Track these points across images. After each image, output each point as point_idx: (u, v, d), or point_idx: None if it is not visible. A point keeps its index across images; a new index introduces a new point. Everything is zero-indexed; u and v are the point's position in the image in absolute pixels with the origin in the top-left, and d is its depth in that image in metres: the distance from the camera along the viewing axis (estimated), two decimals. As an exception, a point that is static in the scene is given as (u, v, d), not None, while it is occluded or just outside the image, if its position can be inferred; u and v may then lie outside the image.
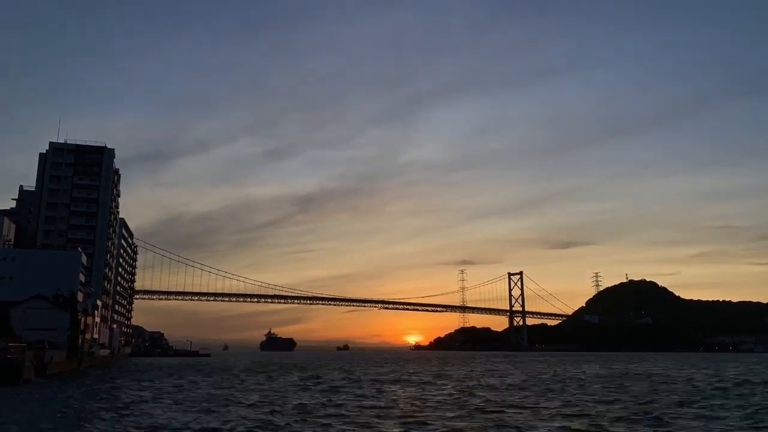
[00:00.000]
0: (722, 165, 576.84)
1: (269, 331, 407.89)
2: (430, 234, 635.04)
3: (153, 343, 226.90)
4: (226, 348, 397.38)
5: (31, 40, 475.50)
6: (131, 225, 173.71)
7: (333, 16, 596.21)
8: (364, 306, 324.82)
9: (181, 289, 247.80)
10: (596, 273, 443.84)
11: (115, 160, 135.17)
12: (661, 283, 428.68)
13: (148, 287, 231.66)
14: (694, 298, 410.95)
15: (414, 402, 40.56)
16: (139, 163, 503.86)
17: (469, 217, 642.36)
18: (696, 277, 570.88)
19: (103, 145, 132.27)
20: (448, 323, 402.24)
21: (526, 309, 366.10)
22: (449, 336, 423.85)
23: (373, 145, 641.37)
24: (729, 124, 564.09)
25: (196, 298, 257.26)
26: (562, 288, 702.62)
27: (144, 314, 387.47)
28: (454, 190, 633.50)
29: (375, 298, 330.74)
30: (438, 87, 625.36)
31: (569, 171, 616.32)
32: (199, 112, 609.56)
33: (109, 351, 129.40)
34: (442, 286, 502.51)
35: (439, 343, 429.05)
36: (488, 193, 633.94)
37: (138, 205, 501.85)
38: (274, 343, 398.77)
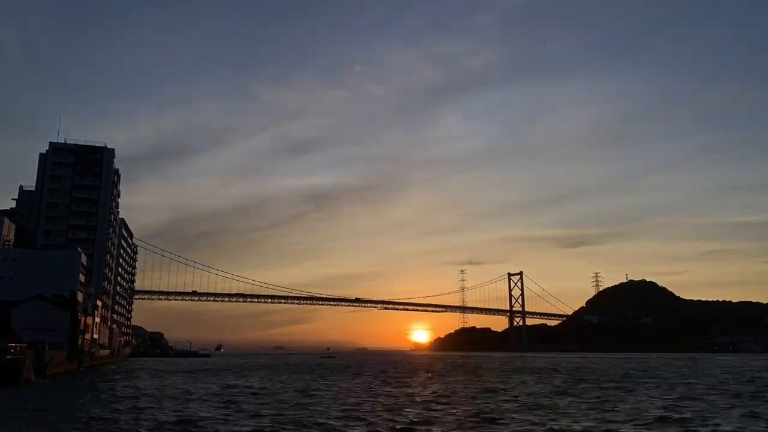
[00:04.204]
0: (738, 160, 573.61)
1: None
2: (442, 233, 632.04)
3: (153, 344, 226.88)
4: (219, 348, 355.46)
5: (33, 36, 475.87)
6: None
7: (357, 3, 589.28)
8: (365, 306, 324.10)
9: (180, 290, 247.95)
10: (596, 273, 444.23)
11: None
12: (671, 281, 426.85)
13: (148, 287, 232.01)
14: (694, 298, 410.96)
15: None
16: (153, 161, 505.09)
17: (482, 216, 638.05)
18: (706, 276, 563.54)
19: (103, 145, 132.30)
20: (451, 323, 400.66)
21: (528, 309, 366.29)
22: (449, 337, 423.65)
23: (394, 141, 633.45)
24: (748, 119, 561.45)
25: (195, 298, 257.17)
26: (569, 287, 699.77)
27: (144, 315, 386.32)
28: (470, 188, 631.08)
29: (376, 298, 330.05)
30: (461, 82, 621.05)
31: (583, 170, 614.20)
32: (214, 106, 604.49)
33: (108, 351, 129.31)
34: (448, 286, 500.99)
35: (440, 344, 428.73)
36: (502, 192, 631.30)
37: (149, 203, 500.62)
38: None
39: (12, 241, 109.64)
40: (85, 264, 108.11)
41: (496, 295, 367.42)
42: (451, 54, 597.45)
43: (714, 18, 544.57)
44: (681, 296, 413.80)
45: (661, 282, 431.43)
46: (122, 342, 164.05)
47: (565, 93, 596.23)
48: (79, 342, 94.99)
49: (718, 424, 30.08)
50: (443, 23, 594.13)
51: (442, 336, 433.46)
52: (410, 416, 32.87)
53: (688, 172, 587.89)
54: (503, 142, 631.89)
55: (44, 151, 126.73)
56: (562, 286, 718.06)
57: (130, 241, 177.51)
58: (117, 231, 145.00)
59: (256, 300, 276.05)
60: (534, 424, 29.95)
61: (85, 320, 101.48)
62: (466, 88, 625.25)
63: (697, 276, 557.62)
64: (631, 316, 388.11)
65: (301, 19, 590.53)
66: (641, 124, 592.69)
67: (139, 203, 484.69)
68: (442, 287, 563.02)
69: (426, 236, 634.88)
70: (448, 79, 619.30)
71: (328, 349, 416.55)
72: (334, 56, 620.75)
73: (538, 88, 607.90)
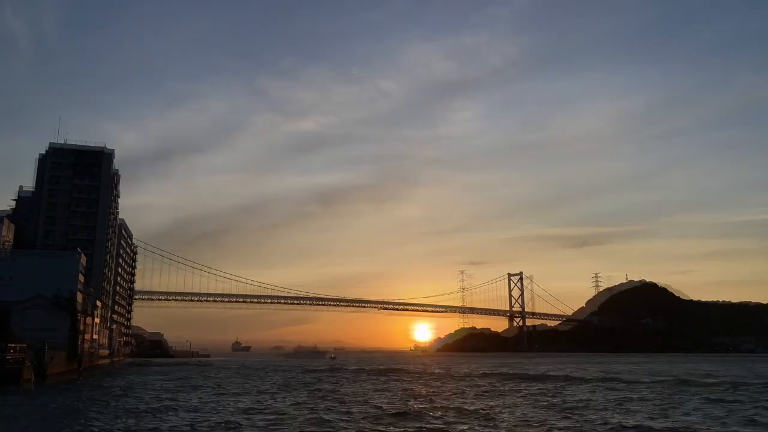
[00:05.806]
0: (745, 159, 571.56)
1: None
2: (448, 232, 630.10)
3: (152, 345, 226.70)
4: (245, 347, 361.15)
5: (33, 35, 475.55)
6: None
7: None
8: (364, 307, 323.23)
9: (180, 291, 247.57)
10: (596, 274, 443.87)
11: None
12: (678, 281, 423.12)
13: (149, 288, 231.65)
14: (699, 298, 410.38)
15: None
16: (158, 160, 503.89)
17: (489, 216, 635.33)
18: (713, 275, 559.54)
19: (103, 146, 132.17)
20: (453, 324, 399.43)
21: (530, 309, 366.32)
22: (449, 337, 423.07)
23: (403, 139, 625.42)
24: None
25: (195, 299, 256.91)
26: (573, 287, 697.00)
27: (144, 316, 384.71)
28: (478, 187, 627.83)
29: (378, 298, 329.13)
30: (476, 77, 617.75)
31: (590, 169, 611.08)
32: (221, 104, 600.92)
33: (108, 352, 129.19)
34: (451, 286, 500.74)
35: (440, 345, 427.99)
36: (509, 190, 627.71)
37: (154, 202, 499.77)
38: None
39: (11, 241, 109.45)
40: (84, 265, 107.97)
41: (498, 295, 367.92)
42: (467, 48, 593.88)
43: (730, 12, 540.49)
44: (683, 296, 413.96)
45: (669, 282, 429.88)
46: (122, 343, 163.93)
47: (573, 92, 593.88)
48: (79, 343, 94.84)
49: None
50: (460, 16, 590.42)
51: (443, 336, 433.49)
52: None
53: (692, 171, 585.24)
54: (513, 140, 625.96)
55: (44, 152, 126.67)
56: (566, 287, 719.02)
57: (130, 242, 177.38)
58: (116, 232, 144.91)
59: (256, 301, 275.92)
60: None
61: (85, 321, 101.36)
62: (480, 83, 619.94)
63: (704, 276, 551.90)
64: (631, 317, 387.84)
65: (312, 13, 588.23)
66: (651, 122, 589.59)
67: (144, 203, 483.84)
68: (445, 287, 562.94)
69: (432, 236, 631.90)
70: (462, 74, 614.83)
71: (333, 350, 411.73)
72: (346, 51, 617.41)
73: (552, 84, 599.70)
